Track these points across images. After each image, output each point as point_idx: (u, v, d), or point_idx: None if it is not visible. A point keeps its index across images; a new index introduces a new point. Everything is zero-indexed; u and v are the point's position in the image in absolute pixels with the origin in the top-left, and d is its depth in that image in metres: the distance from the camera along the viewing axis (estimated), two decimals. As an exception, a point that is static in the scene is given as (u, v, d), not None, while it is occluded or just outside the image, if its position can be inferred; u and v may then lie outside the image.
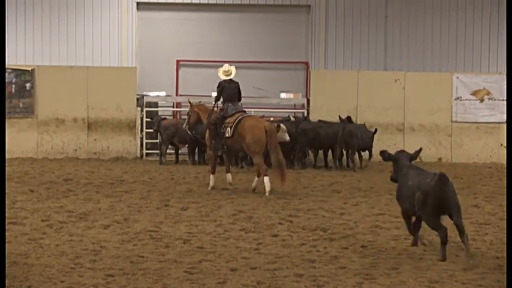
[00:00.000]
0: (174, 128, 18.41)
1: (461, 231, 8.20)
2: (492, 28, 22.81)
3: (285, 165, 13.45)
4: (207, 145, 14.23)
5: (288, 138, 16.75)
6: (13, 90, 19.85)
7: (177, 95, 22.41)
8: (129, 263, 7.96)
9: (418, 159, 19.69)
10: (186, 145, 18.87)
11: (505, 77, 19.60)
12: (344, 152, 18.04)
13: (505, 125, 19.79)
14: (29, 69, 20.07)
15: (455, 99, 20.25)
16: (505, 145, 19.50)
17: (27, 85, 19.91)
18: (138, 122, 20.11)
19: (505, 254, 7.85)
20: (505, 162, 19.01)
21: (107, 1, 22.65)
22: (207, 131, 14.03)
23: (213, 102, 14.43)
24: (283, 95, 21.31)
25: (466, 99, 20.23)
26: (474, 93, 20.27)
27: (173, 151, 19.31)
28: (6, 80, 19.60)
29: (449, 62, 22.84)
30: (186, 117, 15.65)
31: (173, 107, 21.68)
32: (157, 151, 19.48)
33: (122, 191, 13.41)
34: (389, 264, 8.05)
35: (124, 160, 19.61)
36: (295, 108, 21.90)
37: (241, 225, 10.26)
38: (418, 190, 8.37)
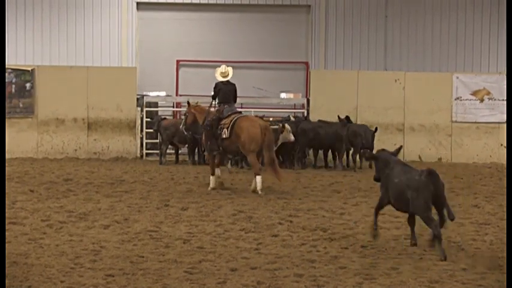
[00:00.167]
0: (174, 128, 18.40)
1: (444, 220, 8.40)
2: (492, 28, 22.81)
3: (276, 162, 13.71)
4: (204, 146, 14.36)
5: (292, 138, 16.89)
6: (13, 90, 19.85)
7: (177, 95, 22.41)
8: (129, 263, 7.96)
9: (418, 159, 19.79)
10: (186, 145, 18.87)
11: (505, 77, 19.60)
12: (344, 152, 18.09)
13: (505, 125, 19.78)
14: (29, 69, 20.07)
15: (455, 99, 20.25)
16: (505, 145, 19.50)
17: (27, 85, 19.91)
18: (138, 122, 20.11)
19: (505, 254, 7.85)
20: (505, 162, 19.01)
21: (107, 1, 22.66)
22: (203, 132, 14.13)
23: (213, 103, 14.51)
24: (283, 95, 21.31)
25: (466, 99, 20.23)
26: (474, 93, 20.26)
27: (173, 151, 19.31)
28: (6, 80, 19.60)
29: (449, 62, 22.84)
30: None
31: (173, 107, 21.68)
32: (157, 151, 19.48)
33: (122, 191, 13.41)
34: (389, 264, 8.05)
35: (124, 160, 19.61)
36: (295, 108, 21.91)
37: (241, 225, 10.26)
38: (408, 188, 8.41)
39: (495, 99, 20.22)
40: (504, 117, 19.74)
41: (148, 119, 19.97)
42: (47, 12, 22.63)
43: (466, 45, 22.85)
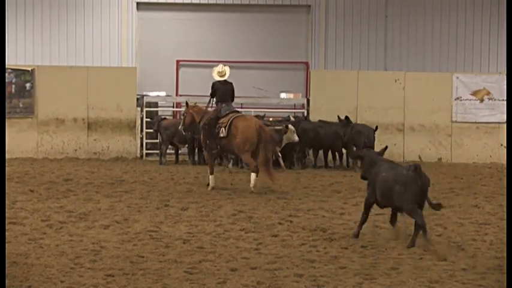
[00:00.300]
0: (174, 128, 18.39)
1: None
2: (492, 28, 22.80)
3: (271, 163, 13.78)
4: (203, 145, 14.42)
5: (297, 138, 16.90)
6: (13, 90, 19.84)
7: (177, 95, 22.40)
8: (129, 263, 7.96)
9: (418, 160, 19.78)
10: (186, 145, 18.87)
11: (505, 77, 19.59)
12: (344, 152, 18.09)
13: (505, 125, 19.77)
14: (29, 69, 20.06)
15: (455, 99, 20.24)
16: (505, 145, 19.49)
17: (27, 85, 19.90)
18: (138, 122, 20.10)
19: (505, 254, 7.85)
20: (505, 162, 19.00)
21: (107, 1, 22.65)
22: (202, 131, 14.19)
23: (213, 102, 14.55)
24: (283, 95, 21.30)
25: (466, 99, 20.22)
26: (474, 93, 20.25)
27: (173, 151, 19.31)
28: (6, 80, 19.59)
29: (449, 62, 22.83)
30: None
31: (173, 107, 21.67)
32: (157, 151, 19.48)
33: (122, 191, 13.41)
34: (389, 264, 8.06)
35: (124, 160, 19.60)
36: (295, 108, 21.90)
37: (241, 225, 10.26)
38: (395, 183, 8.50)
39: (495, 99, 20.21)
40: (504, 117, 19.73)
41: (148, 119, 19.96)
42: (47, 12, 22.62)
43: (466, 45, 22.84)
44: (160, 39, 22.96)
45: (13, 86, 19.84)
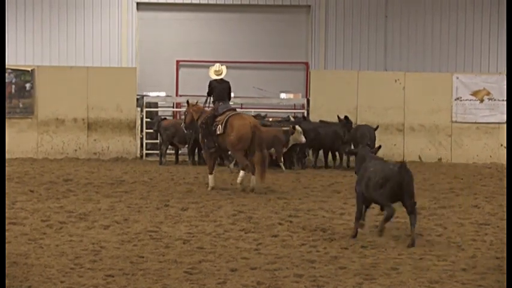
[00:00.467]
0: (174, 129, 18.40)
1: (410, 212, 8.85)
2: (492, 28, 22.80)
3: (266, 163, 13.82)
4: (201, 144, 14.48)
5: (303, 139, 16.92)
6: (13, 90, 19.84)
7: (177, 95, 22.40)
8: (129, 263, 7.96)
9: (418, 160, 19.78)
10: (186, 145, 18.87)
11: (505, 77, 19.59)
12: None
13: (505, 125, 19.77)
14: (29, 69, 20.06)
15: (455, 100, 20.24)
16: (505, 145, 19.49)
17: (27, 85, 19.90)
18: (138, 122, 20.10)
19: (505, 254, 7.85)
20: (505, 162, 19.00)
21: (107, 1, 22.65)
22: (200, 130, 14.25)
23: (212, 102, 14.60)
24: (283, 95, 21.30)
25: (466, 100, 20.22)
26: (474, 94, 20.25)
27: (173, 151, 19.30)
28: (6, 80, 19.59)
29: (449, 62, 22.83)
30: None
31: (173, 107, 21.68)
32: (157, 151, 19.47)
33: (122, 191, 13.41)
34: (389, 264, 8.06)
35: (124, 160, 19.60)
36: (295, 109, 21.89)
37: (241, 225, 10.26)
38: (376, 175, 8.94)
39: (495, 100, 20.21)
40: (504, 118, 19.73)
41: (148, 119, 19.96)
42: (47, 13, 22.62)
43: (466, 45, 22.84)
44: (160, 39, 22.96)
45: (13, 86, 19.84)
